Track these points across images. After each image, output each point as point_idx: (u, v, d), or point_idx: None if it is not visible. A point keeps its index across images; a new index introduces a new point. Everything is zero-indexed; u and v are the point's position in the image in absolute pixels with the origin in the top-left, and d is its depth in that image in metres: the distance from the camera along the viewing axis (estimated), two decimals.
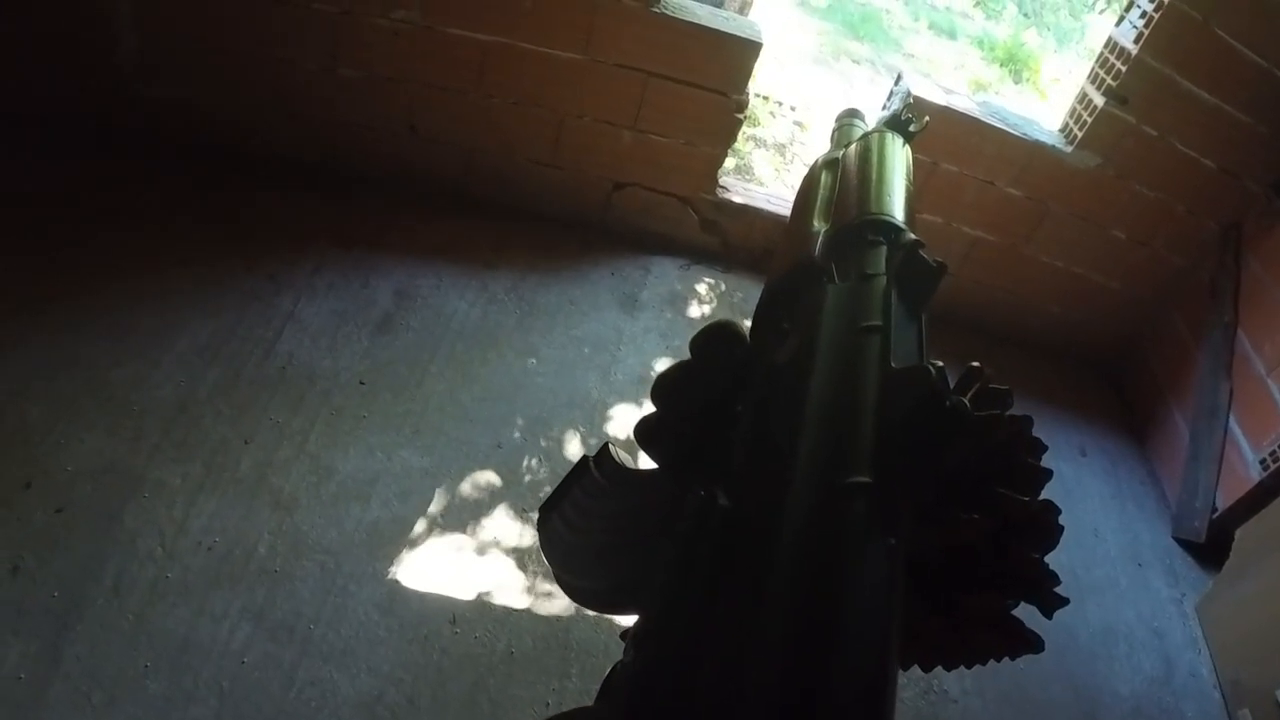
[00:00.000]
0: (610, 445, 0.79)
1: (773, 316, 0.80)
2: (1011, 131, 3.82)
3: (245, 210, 3.50)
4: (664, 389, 0.73)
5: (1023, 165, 3.91)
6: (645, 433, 0.73)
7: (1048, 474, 0.66)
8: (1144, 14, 3.64)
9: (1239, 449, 3.71)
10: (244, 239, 3.38)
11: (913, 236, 0.81)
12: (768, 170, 5.88)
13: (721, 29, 3.43)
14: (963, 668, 0.69)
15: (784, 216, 3.68)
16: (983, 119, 3.77)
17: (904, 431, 0.57)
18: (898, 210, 0.86)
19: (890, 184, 0.92)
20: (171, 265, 3.18)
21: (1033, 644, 0.66)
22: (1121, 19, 3.79)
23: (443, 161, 3.74)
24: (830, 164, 1.00)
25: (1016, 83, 10.46)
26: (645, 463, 0.76)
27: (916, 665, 0.69)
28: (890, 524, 0.53)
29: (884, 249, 0.79)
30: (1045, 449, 0.67)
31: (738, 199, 3.93)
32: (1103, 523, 3.72)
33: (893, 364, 0.63)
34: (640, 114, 3.64)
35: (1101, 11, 11.16)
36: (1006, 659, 0.68)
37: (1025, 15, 11.86)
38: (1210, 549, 3.64)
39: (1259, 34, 3.62)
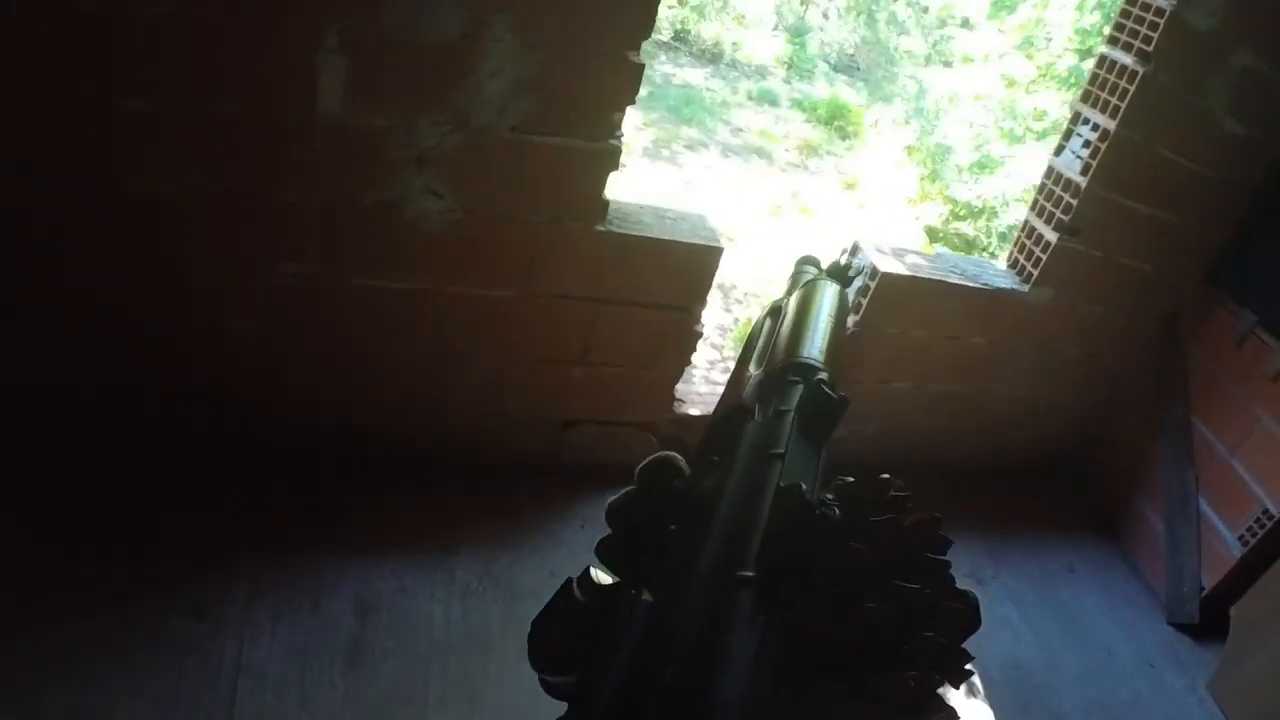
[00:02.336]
0: (591, 567, 0.83)
1: (709, 449, 0.91)
2: (972, 284, 3.59)
3: (142, 526, 2.81)
4: (614, 513, 0.84)
5: (985, 314, 3.71)
6: (602, 551, 0.82)
7: (946, 564, 0.75)
8: (1087, 143, 3.49)
9: (1216, 531, 3.78)
10: (152, 567, 2.73)
11: (819, 376, 0.95)
12: None
13: (677, 238, 3.00)
14: None
15: None
16: (946, 279, 3.52)
17: (784, 538, 0.73)
18: (818, 352, 1.01)
19: (816, 329, 1.08)
20: (70, 620, 2.51)
21: (945, 714, 0.72)
22: (1061, 149, 3.63)
23: (369, 428, 3.15)
24: (774, 312, 1.15)
25: (843, 139, 10.51)
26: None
27: None
28: (770, 609, 0.68)
29: (799, 388, 0.93)
30: (949, 544, 0.77)
31: (695, 410, 3.51)
32: (1110, 638, 3.75)
33: (781, 484, 0.78)
34: (590, 347, 3.17)
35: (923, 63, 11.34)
36: None
37: (836, 70, 12.03)
38: (1205, 627, 3.76)
39: (1190, 141, 3.59)
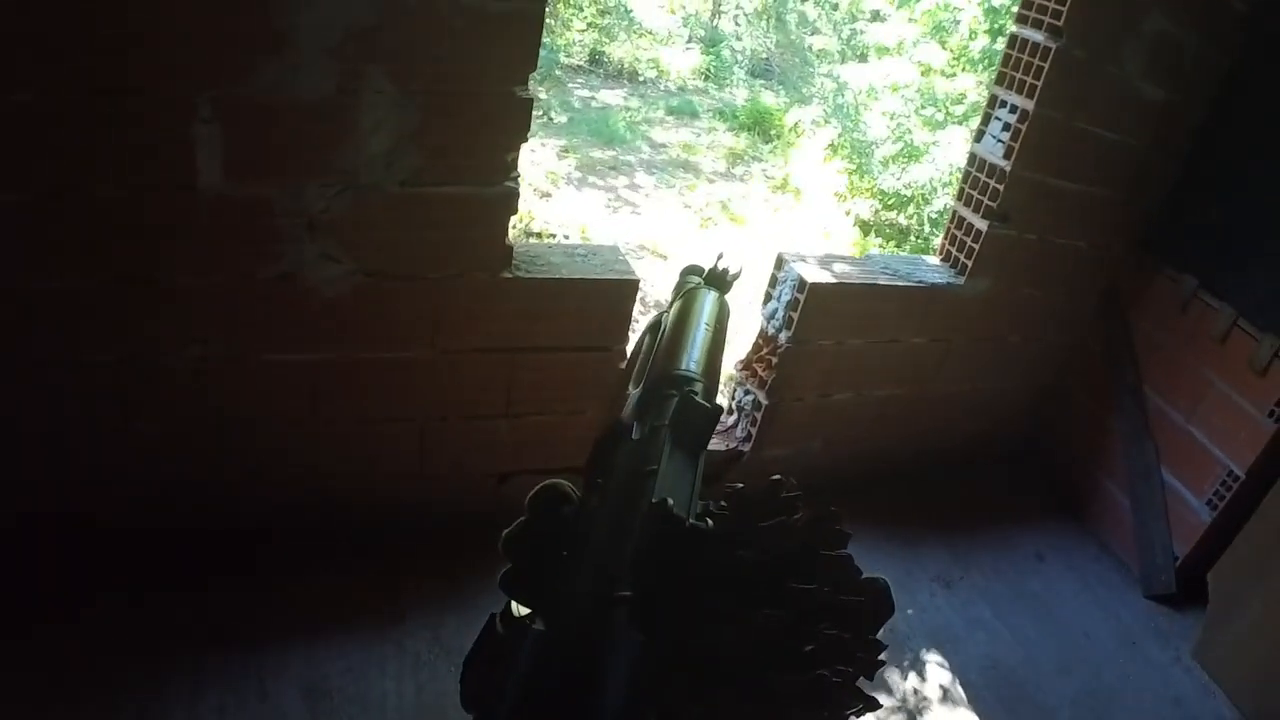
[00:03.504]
0: (512, 603, 0.86)
1: (594, 470, 0.93)
2: (905, 283, 3.48)
3: (65, 627, 2.61)
4: (508, 545, 0.87)
5: (922, 313, 3.61)
6: (504, 583, 0.86)
7: (844, 559, 0.78)
8: (1007, 126, 3.41)
9: (1182, 499, 3.74)
10: (84, 672, 2.53)
11: (689, 388, 0.97)
12: None
13: (586, 275, 2.85)
14: None
15: None
16: (877, 281, 3.41)
17: (656, 554, 0.75)
18: (694, 364, 1.04)
19: (690, 341, 1.10)
20: None
21: (857, 705, 0.75)
22: (981, 134, 3.54)
23: (293, 505, 2.96)
24: (653, 327, 1.16)
25: (766, 142, 10.47)
26: None
27: None
28: (643, 624, 0.70)
29: (674, 400, 0.95)
30: (847, 537, 0.80)
31: None
32: (1088, 622, 3.70)
33: (653, 500, 0.80)
34: (511, 398, 3.02)
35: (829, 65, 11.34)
36: None
37: (753, 76, 12.01)
38: (1183, 596, 3.75)
39: (1112, 113, 3.54)
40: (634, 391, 1.02)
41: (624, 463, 0.90)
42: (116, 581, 2.75)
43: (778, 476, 0.83)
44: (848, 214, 8.80)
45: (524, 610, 0.85)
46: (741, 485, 0.85)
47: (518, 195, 2.70)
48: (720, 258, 1.31)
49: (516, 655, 0.75)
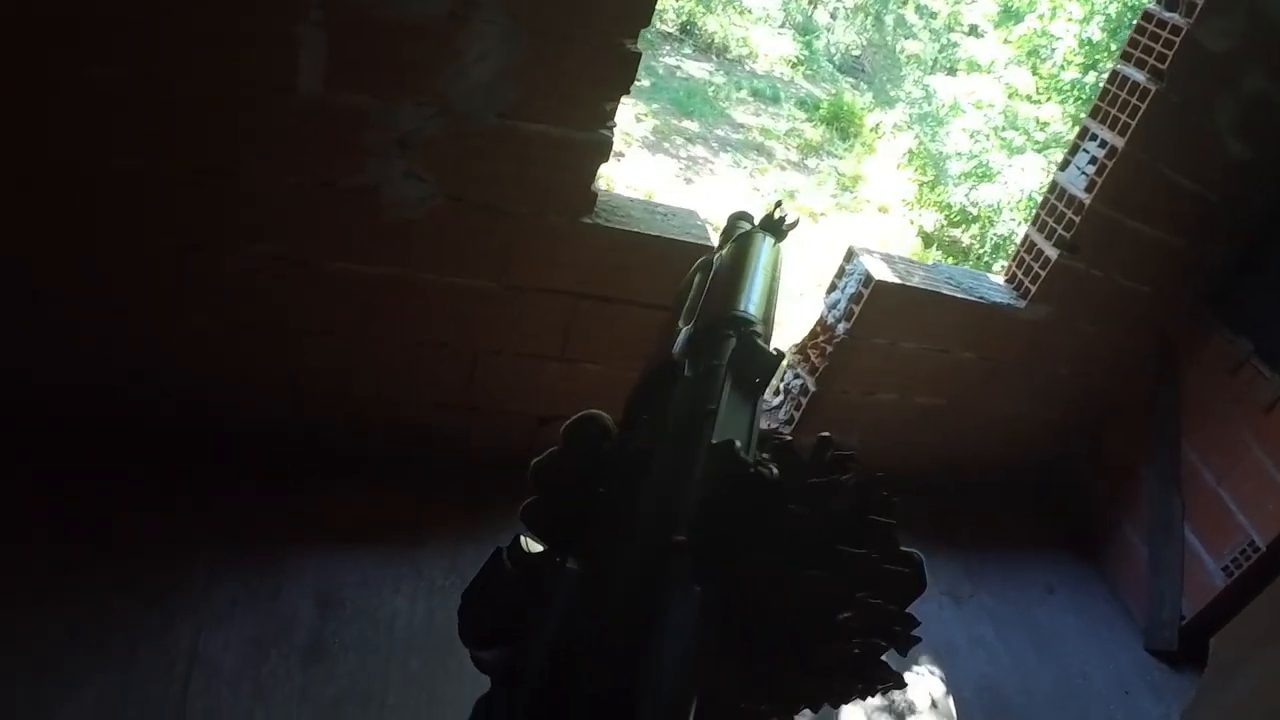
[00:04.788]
0: (521, 535, 0.80)
1: (638, 407, 0.87)
2: (967, 297, 3.50)
3: (101, 513, 2.69)
4: (539, 475, 0.79)
5: (978, 329, 3.63)
6: (526, 515, 0.78)
7: (890, 526, 0.74)
8: (1093, 159, 3.42)
9: (1199, 559, 3.74)
10: (109, 553, 2.61)
11: (752, 328, 0.92)
12: None
13: (664, 234, 2.88)
14: None
15: None
16: (941, 290, 3.43)
17: (719, 498, 0.70)
18: (753, 307, 0.97)
19: (749, 283, 1.03)
20: (11, 606, 2.39)
21: (890, 681, 0.74)
22: (1067, 163, 3.54)
23: (334, 420, 3.03)
24: (704, 266, 1.09)
25: (844, 139, 10.43)
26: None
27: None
28: (702, 575, 0.65)
29: (731, 342, 0.89)
30: (894, 504, 0.75)
31: None
32: (1086, 661, 3.71)
33: (714, 441, 0.74)
34: (568, 343, 3.06)
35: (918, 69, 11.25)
36: None
37: (841, 72, 11.94)
38: (1183, 655, 3.73)
39: (1194, 162, 3.53)
40: (685, 329, 0.95)
41: (679, 401, 0.83)
42: (146, 475, 2.83)
43: (826, 434, 0.78)
44: (912, 224, 8.77)
45: (537, 547, 0.79)
46: (790, 437, 0.81)
47: (610, 144, 2.74)
48: (779, 205, 1.26)
49: (550, 596, 0.69)
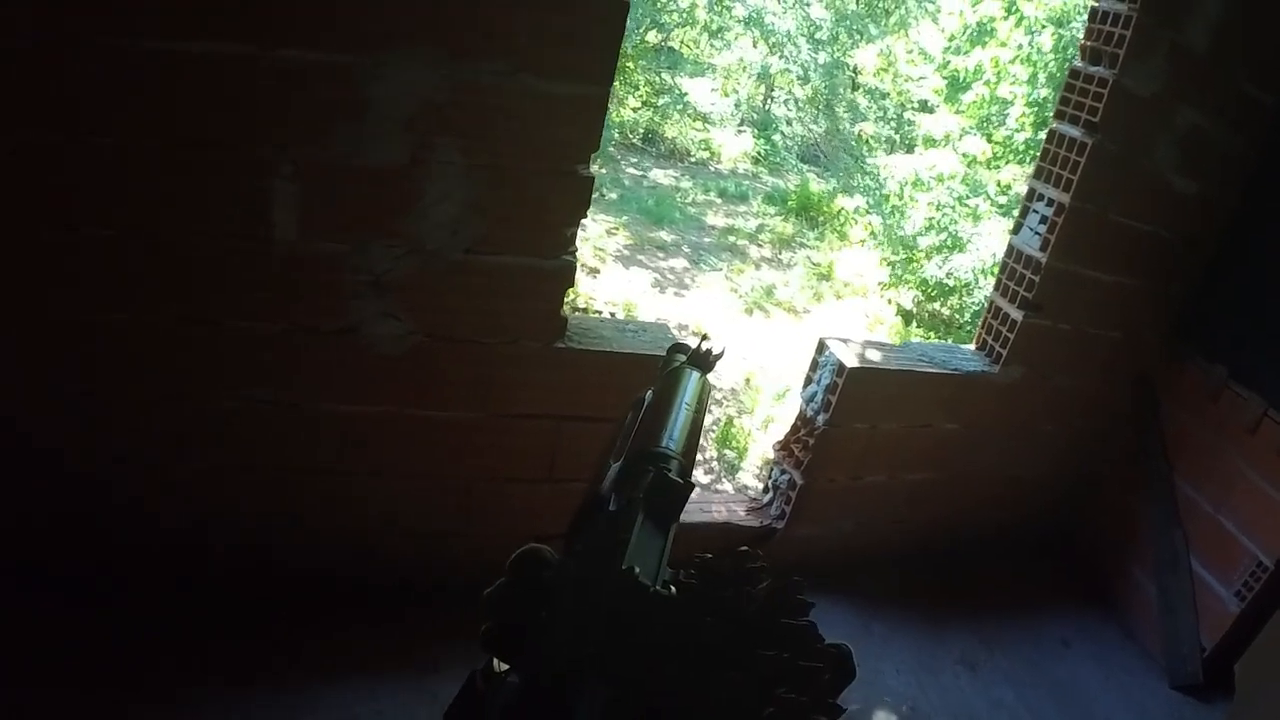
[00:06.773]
0: (494, 660, 0.92)
1: (572, 540, 0.97)
2: (940, 370, 3.58)
3: (103, 658, 2.69)
4: (487, 604, 0.91)
5: (955, 399, 3.69)
6: (483, 640, 0.90)
7: (806, 626, 0.85)
8: (1044, 219, 3.54)
9: (1210, 588, 3.72)
10: (114, 701, 2.61)
11: (664, 464, 1.01)
12: None
13: (636, 351, 2.97)
14: None
15: (713, 519, 3.57)
16: (914, 368, 3.52)
17: (622, 618, 0.79)
18: (673, 442, 1.07)
19: (672, 419, 1.13)
20: None
21: None
22: (1019, 226, 3.66)
23: (334, 555, 3.07)
24: (637, 404, 1.19)
25: (813, 229, 10.61)
26: None
27: None
28: (610, 682, 0.77)
29: (650, 475, 0.98)
30: (809, 606, 0.87)
31: None
32: (1111, 710, 3.68)
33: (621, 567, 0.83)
34: (555, 465, 3.13)
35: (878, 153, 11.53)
36: None
37: (803, 162, 12.22)
38: (1210, 686, 3.69)
39: (1145, 205, 3.65)
40: (614, 465, 1.06)
41: (598, 532, 0.93)
42: (140, 609, 2.83)
43: (744, 548, 0.91)
44: (890, 303, 8.89)
45: (504, 667, 0.90)
46: (710, 555, 0.94)
47: (574, 269, 2.85)
48: (705, 339, 1.38)
49: (493, 705, 0.84)
